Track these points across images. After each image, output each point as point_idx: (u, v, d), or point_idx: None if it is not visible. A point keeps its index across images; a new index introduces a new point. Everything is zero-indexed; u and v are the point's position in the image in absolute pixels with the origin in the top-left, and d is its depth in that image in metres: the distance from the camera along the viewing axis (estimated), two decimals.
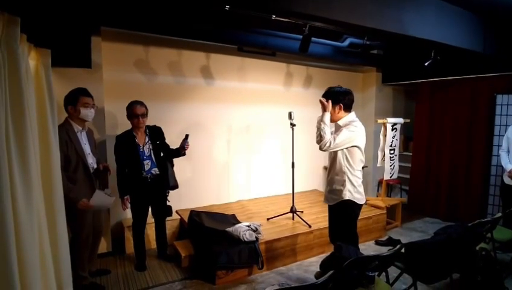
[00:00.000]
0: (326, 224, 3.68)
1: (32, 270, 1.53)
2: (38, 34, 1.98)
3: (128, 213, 3.26)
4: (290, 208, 3.89)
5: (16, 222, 1.45)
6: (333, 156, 2.69)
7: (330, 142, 2.49)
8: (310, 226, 3.61)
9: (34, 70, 1.90)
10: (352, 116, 2.66)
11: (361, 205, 2.70)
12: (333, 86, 2.67)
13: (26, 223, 1.54)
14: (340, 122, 2.64)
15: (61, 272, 2.01)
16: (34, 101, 1.81)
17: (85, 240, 2.72)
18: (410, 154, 5.48)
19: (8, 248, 1.34)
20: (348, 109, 2.65)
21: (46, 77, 1.96)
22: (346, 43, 4.28)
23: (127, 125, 3.11)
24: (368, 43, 3.59)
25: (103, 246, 3.40)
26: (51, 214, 1.94)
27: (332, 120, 2.66)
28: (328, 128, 2.54)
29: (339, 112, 2.63)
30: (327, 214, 3.99)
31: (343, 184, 2.61)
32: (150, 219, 3.31)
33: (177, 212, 3.95)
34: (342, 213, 2.69)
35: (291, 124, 3.81)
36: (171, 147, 3.29)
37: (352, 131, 2.55)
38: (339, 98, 2.59)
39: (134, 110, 2.99)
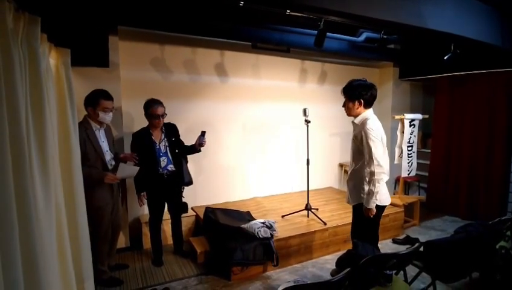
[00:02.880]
0: (341, 222, 3.67)
1: (49, 265, 1.58)
2: (58, 34, 2.03)
3: (146, 209, 3.32)
4: (305, 205, 3.87)
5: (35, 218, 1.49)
6: (356, 157, 2.60)
7: (378, 166, 2.37)
8: (325, 224, 3.58)
9: (54, 69, 1.95)
10: (369, 113, 2.53)
11: (385, 206, 2.61)
12: (356, 79, 2.55)
13: (45, 219, 1.58)
14: (356, 121, 2.56)
15: (82, 266, 2.07)
16: (55, 99, 1.86)
17: (104, 235, 2.79)
18: (429, 151, 5.34)
19: (34, 245, 1.38)
20: (368, 105, 2.52)
21: (66, 76, 2.01)
22: (362, 37, 4.20)
23: (144, 122, 3.16)
24: (384, 37, 3.52)
25: (121, 242, 3.48)
26: (71, 210, 1.99)
27: (349, 114, 2.60)
28: (371, 192, 2.42)
29: (358, 108, 2.52)
30: (342, 211, 4.00)
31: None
32: (167, 215, 3.36)
33: (192, 209, 3.99)
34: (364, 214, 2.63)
35: (306, 120, 3.78)
36: (186, 144, 3.32)
37: (375, 136, 2.41)
38: (361, 93, 2.47)
39: (156, 111, 3.01)
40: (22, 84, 1.39)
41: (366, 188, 2.44)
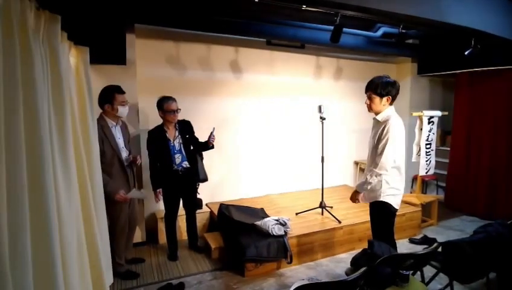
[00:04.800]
0: (356, 220, 3.63)
1: (71, 256, 1.62)
2: (77, 33, 2.07)
3: (161, 205, 3.37)
4: (319, 203, 3.84)
5: (57, 211, 1.53)
6: (374, 154, 2.56)
7: (382, 167, 2.40)
8: (339, 222, 3.54)
9: (74, 67, 2.00)
10: (392, 110, 2.52)
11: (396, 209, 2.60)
12: (380, 76, 2.52)
13: (67, 212, 1.62)
14: (378, 117, 2.51)
15: (101, 258, 2.11)
16: (75, 96, 1.91)
17: (122, 229, 2.85)
18: (448, 149, 5.20)
19: (51, 236, 1.41)
20: (392, 102, 2.51)
21: (85, 73, 2.06)
22: (380, 32, 4.11)
23: (159, 120, 3.20)
24: (403, 31, 3.42)
25: (138, 236, 3.55)
26: (91, 204, 2.04)
27: (373, 110, 2.54)
28: (366, 180, 2.49)
29: (384, 104, 2.49)
30: (357, 210, 3.95)
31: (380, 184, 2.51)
32: (182, 211, 3.40)
33: (207, 205, 4.02)
34: (379, 212, 2.60)
35: (320, 117, 3.73)
36: (200, 140, 3.34)
37: (395, 135, 2.41)
38: (390, 90, 2.45)
39: (171, 106, 3.06)
40: (44, 81, 1.42)
41: (368, 175, 2.48)
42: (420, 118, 4.20)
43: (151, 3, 3.05)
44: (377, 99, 2.49)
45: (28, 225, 1.25)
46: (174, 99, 3.10)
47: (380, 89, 2.45)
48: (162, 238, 3.61)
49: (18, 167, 1.21)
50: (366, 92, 2.56)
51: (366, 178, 2.49)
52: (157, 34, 3.73)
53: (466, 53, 3.75)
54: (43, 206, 1.35)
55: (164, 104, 3.07)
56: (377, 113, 2.54)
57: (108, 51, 3.11)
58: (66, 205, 1.61)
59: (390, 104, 2.51)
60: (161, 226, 3.65)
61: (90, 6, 2.72)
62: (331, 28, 3.18)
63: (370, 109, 2.56)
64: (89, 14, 2.80)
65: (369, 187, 2.51)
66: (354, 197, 2.66)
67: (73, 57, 2.00)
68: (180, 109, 3.13)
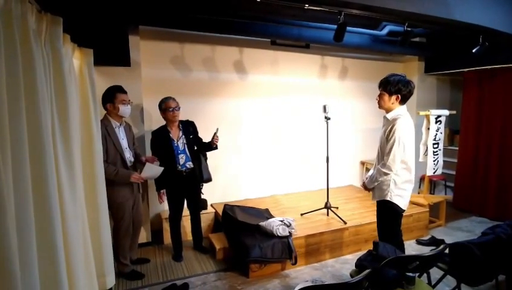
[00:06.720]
0: (362, 221, 3.59)
1: (76, 258, 1.63)
2: (81, 35, 2.09)
3: (166, 206, 3.38)
4: (324, 203, 3.81)
5: (62, 212, 1.54)
6: (383, 153, 2.53)
7: (389, 167, 2.40)
8: (345, 223, 3.51)
9: (78, 69, 2.01)
10: (403, 109, 2.47)
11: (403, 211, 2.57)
12: (396, 73, 2.50)
13: (72, 213, 1.63)
14: (388, 116, 2.48)
15: (103, 260, 2.12)
16: (78, 98, 1.92)
17: (126, 230, 2.86)
18: (456, 148, 5.12)
19: (55, 238, 1.42)
20: (403, 101, 2.47)
21: (89, 75, 2.07)
22: (385, 31, 4.06)
23: (163, 121, 3.21)
24: (409, 30, 3.38)
25: (143, 237, 3.56)
26: (93, 205, 2.05)
27: (382, 107, 2.52)
28: (374, 174, 2.53)
29: (393, 103, 2.45)
30: (363, 210, 3.91)
31: (388, 183, 2.48)
32: (186, 212, 3.40)
33: (211, 205, 4.02)
34: (385, 212, 2.57)
35: (325, 117, 3.70)
36: (204, 141, 3.34)
37: (402, 136, 2.38)
38: (400, 88, 2.41)
39: (169, 104, 3.08)
40: (47, 83, 1.43)
41: (376, 173, 2.50)
42: (427, 117, 4.14)
43: (155, 4, 3.06)
44: (385, 96, 2.47)
45: (33, 227, 1.26)
46: (172, 98, 3.12)
47: (390, 86, 2.43)
48: (167, 238, 3.63)
49: (22, 170, 1.22)
50: (378, 88, 2.55)
51: (374, 175, 2.51)
52: (162, 35, 3.74)
53: (474, 51, 3.68)
54: (46, 208, 1.36)
55: (163, 104, 3.10)
56: (387, 111, 2.51)
57: (112, 53, 3.13)
58: (70, 208, 1.62)
59: (401, 103, 2.47)
60: (166, 227, 3.66)
61: (92, 8, 2.73)
62: (335, 26, 3.14)
63: (379, 105, 2.55)
64: (91, 16, 2.82)
65: (376, 184, 2.53)
66: (366, 189, 2.70)
67: (77, 59, 2.01)
68: (179, 107, 3.14)
